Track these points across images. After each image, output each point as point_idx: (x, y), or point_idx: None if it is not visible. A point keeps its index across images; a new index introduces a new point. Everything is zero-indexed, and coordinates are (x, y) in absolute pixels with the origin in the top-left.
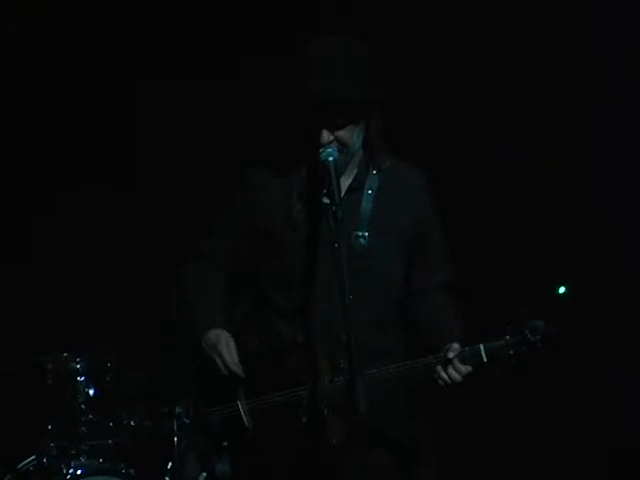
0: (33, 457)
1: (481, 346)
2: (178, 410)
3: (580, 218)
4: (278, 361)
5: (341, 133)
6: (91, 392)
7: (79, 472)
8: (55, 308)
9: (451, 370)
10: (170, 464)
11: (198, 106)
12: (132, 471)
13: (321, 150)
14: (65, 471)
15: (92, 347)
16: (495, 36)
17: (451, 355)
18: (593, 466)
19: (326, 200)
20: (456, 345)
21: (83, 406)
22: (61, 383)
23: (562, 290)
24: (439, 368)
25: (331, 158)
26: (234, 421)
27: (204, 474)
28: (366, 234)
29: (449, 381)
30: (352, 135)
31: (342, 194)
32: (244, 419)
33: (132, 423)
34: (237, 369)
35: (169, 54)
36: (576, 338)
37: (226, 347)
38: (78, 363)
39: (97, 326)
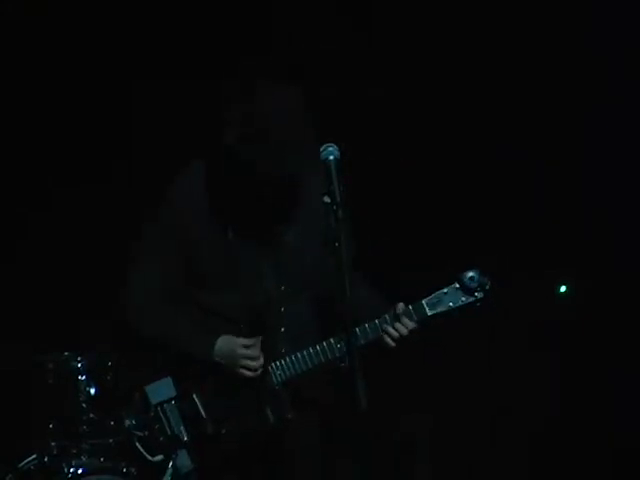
0: (34, 456)
1: (423, 301)
2: (128, 422)
3: (580, 218)
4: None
5: None
6: (92, 391)
7: (80, 471)
8: (55, 308)
9: (398, 325)
10: (170, 463)
11: (198, 106)
12: (133, 470)
13: (322, 149)
14: (66, 470)
15: (92, 346)
16: (495, 36)
17: (400, 309)
18: (593, 466)
19: (327, 199)
20: (401, 304)
21: (84, 405)
22: (62, 382)
23: (563, 289)
24: (386, 326)
25: (332, 157)
26: (192, 415)
27: (170, 470)
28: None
29: (396, 335)
30: None
31: None
32: (201, 411)
33: (133, 422)
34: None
35: (168, 54)
36: (575, 338)
37: (244, 349)
38: (79, 362)
39: (97, 326)
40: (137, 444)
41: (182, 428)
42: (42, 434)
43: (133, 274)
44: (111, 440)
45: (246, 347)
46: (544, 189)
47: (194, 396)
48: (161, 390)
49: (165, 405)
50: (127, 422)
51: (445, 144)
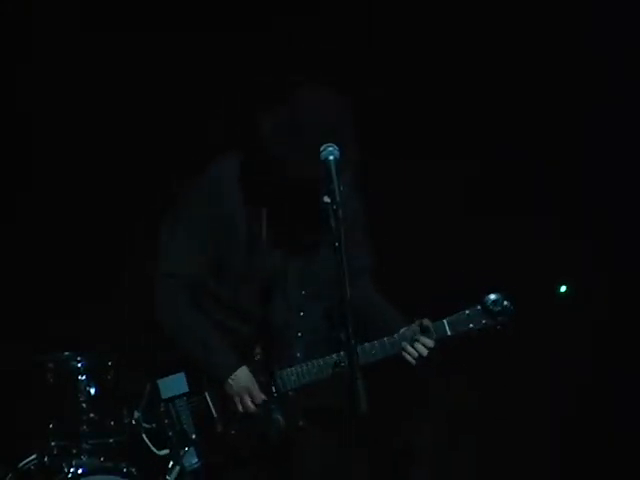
0: (34, 456)
1: (444, 320)
2: (137, 414)
3: (580, 218)
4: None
5: None
6: (92, 391)
7: (80, 471)
8: (55, 308)
9: (418, 344)
10: (171, 463)
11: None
12: (133, 470)
13: (322, 149)
14: (66, 470)
15: (92, 346)
16: (495, 36)
17: (420, 325)
18: (592, 465)
19: (327, 199)
20: (425, 319)
21: (84, 405)
22: (62, 382)
23: (563, 289)
24: (405, 344)
25: (331, 157)
26: (202, 413)
27: (177, 468)
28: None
29: (416, 354)
30: None
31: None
32: (212, 410)
33: (133, 422)
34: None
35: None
36: (576, 337)
37: (256, 387)
38: (79, 362)
39: (97, 326)
40: (144, 436)
41: (191, 425)
42: (42, 434)
43: (170, 251)
44: (111, 440)
45: (255, 388)
46: (544, 189)
47: (206, 394)
48: (173, 385)
49: (176, 400)
50: (136, 413)
51: (443, 144)
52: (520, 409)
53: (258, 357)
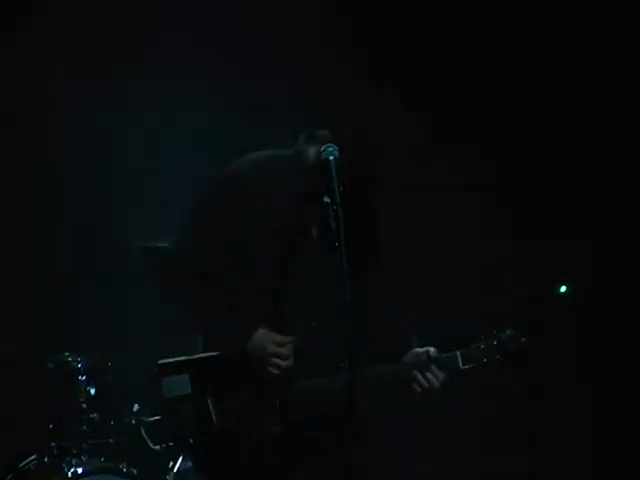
0: (34, 456)
1: (457, 353)
2: (136, 407)
3: (580, 218)
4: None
5: None
6: (92, 391)
7: (80, 471)
8: (55, 308)
9: (429, 375)
10: (171, 463)
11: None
12: (133, 470)
13: (322, 149)
14: (66, 470)
15: (92, 346)
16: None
17: (432, 355)
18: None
19: (327, 199)
20: (433, 349)
21: (84, 405)
22: (62, 382)
23: (563, 289)
24: (415, 372)
25: (332, 157)
26: (202, 417)
27: (172, 472)
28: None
29: (426, 385)
30: None
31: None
32: (213, 416)
33: (133, 422)
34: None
35: None
36: (576, 338)
37: (276, 347)
38: (79, 362)
39: (97, 326)
40: (141, 429)
41: (190, 429)
42: (42, 434)
43: (190, 232)
44: (111, 440)
45: (279, 345)
46: (544, 189)
47: (208, 400)
48: (177, 385)
49: (178, 401)
50: (136, 406)
51: (442, 145)
52: (520, 409)
53: None
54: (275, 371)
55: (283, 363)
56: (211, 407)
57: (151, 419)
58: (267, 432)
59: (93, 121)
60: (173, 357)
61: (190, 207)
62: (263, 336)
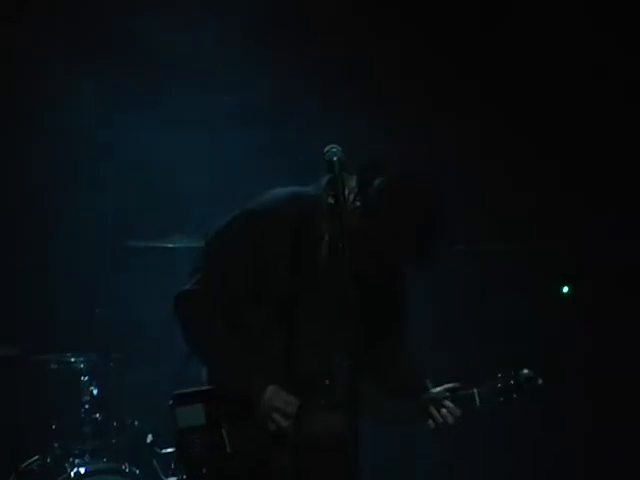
0: (37, 457)
1: (475, 391)
2: (150, 438)
3: (580, 217)
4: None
5: None
6: (95, 392)
7: (83, 471)
8: (57, 308)
9: (444, 411)
10: (173, 464)
11: None
12: (136, 470)
13: (326, 150)
14: (69, 470)
15: (95, 347)
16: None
17: (451, 392)
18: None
19: (331, 200)
20: (452, 385)
21: (87, 406)
22: (65, 383)
23: (566, 289)
24: (432, 408)
25: (335, 158)
26: (216, 447)
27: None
28: None
29: (441, 421)
30: None
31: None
32: (227, 445)
33: (136, 423)
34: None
35: None
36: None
37: (285, 404)
38: (81, 363)
39: (99, 326)
40: (154, 461)
41: (204, 459)
42: (45, 434)
43: (212, 274)
44: (114, 441)
45: (286, 404)
46: (544, 189)
47: (222, 430)
48: (191, 416)
49: (191, 432)
50: (149, 437)
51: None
52: (519, 409)
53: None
54: (273, 427)
55: (284, 422)
56: (225, 437)
57: (164, 451)
58: (280, 462)
59: (92, 121)
60: (188, 387)
61: (213, 240)
62: (273, 391)
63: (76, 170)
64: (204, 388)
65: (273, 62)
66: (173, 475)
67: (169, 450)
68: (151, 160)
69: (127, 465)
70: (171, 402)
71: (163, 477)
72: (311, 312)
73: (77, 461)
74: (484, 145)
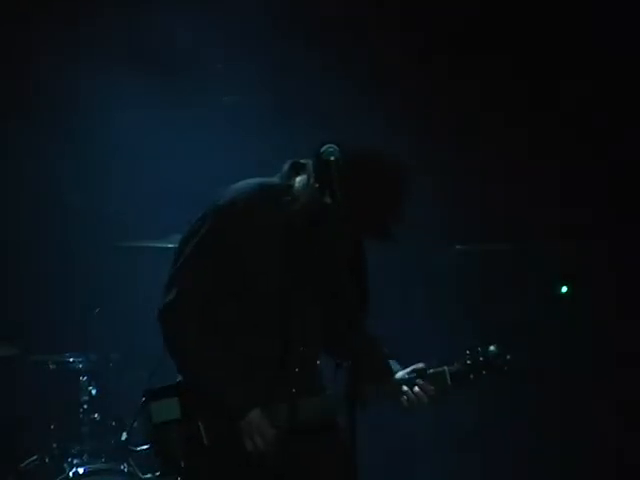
0: (35, 457)
1: (445, 368)
2: (125, 436)
3: (580, 217)
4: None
5: None
6: (93, 392)
7: (81, 471)
8: (57, 308)
9: (417, 390)
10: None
11: None
12: (135, 471)
13: (322, 149)
14: (67, 470)
15: (93, 347)
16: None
17: (420, 371)
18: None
19: (327, 199)
20: (422, 364)
21: (85, 406)
22: (63, 383)
23: (564, 289)
24: (405, 389)
25: (332, 157)
26: (193, 440)
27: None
28: None
29: (415, 400)
30: None
31: None
32: (204, 437)
33: (134, 424)
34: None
35: None
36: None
37: (268, 430)
38: (80, 363)
39: (98, 326)
40: (129, 459)
41: (181, 453)
42: (43, 434)
43: (187, 280)
44: (113, 441)
45: (268, 427)
46: (544, 189)
47: (199, 422)
48: (166, 410)
49: (167, 426)
50: (124, 435)
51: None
52: (519, 409)
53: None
54: (250, 447)
55: (263, 446)
56: (202, 429)
57: (139, 448)
58: (258, 450)
59: (93, 121)
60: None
61: (185, 239)
62: (257, 414)
63: (76, 170)
64: (176, 382)
65: (273, 62)
66: (149, 472)
67: (144, 447)
68: (151, 160)
69: (125, 465)
70: (143, 399)
71: (140, 475)
72: (282, 299)
73: (76, 461)
74: (484, 145)
